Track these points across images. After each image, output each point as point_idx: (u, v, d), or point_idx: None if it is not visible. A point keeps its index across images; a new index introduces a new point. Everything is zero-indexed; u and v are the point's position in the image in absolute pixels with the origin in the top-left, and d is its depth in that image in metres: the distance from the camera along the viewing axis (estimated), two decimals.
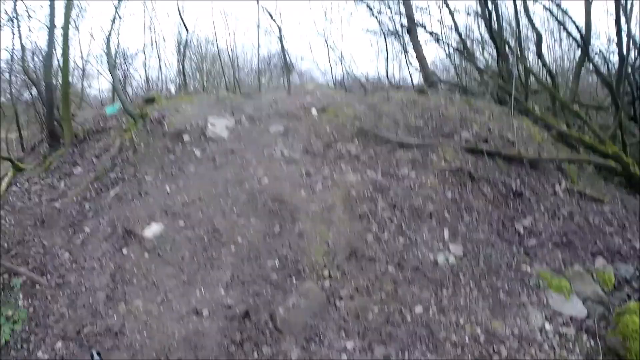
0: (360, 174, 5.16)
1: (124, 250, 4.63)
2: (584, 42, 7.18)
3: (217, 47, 13.24)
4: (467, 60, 9.12)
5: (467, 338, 3.79)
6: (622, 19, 6.83)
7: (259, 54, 14.21)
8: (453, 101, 6.67)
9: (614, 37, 7.62)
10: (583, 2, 7.41)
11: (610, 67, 7.83)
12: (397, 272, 4.28)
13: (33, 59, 8.52)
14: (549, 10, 7.94)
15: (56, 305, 4.27)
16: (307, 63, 15.97)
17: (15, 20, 8.53)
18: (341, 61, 12.91)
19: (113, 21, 6.82)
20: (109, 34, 6.36)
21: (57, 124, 6.37)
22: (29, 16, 7.15)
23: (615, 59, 7.59)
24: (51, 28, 6.35)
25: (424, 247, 4.53)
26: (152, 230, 4.73)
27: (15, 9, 8.80)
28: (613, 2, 7.02)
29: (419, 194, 5.00)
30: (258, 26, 13.55)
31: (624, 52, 6.96)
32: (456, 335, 3.81)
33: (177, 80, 11.30)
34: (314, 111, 6.06)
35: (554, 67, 10.78)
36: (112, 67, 6.18)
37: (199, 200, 4.97)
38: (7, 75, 7.89)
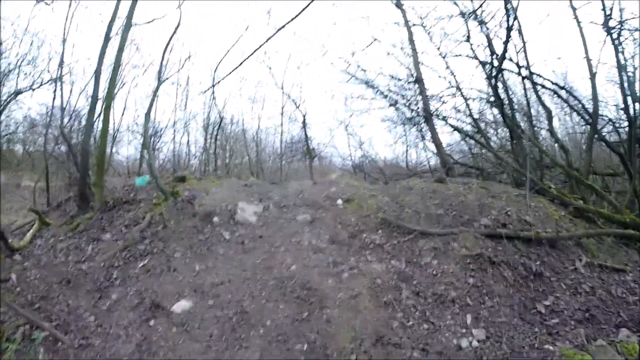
0: (385, 264, 5.35)
1: (151, 322, 4.64)
2: (592, 117, 7.63)
3: (243, 128, 13.76)
4: (482, 146, 9.56)
5: None
6: (625, 84, 7.35)
7: (282, 139, 14.81)
8: (471, 188, 7.01)
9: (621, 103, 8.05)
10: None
11: (620, 133, 8.24)
12: (423, 357, 4.33)
13: (69, 120, 9.01)
14: (556, 93, 8.49)
15: None
16: (327, 148, 16.56)
17: (59, 82, 9.13)
18: (360, 147, 13.37)
19: (151, 103, 7.26)
20: (147, 112, 6.78)
21: (88, 187, 6.58)
22: (72, 82, 7.60)
23: (625, 124, 7.99)
24: (94, 98, 6.75)
25: (447, 332, 4.62)
26: (181, 306, 4.78)
27: (60, 71, 9.45)
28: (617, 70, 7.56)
29: (442, 282, 5.16)
30: (282, 113, 14.14)
31: (632, 115, 7.36)
32: None
33: (202, 157, 11.72)
34: (339, 202, 6.37)
35: (567, 138, 11.26)
36: (147, 145, 6.53)
37: (228, 282, 5.08)
38: (41, 128, 8.24)
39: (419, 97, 10.86)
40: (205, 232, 5.82)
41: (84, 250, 5.65)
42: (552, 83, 8.60)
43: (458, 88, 10.02)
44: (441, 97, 10.72)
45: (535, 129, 9.49)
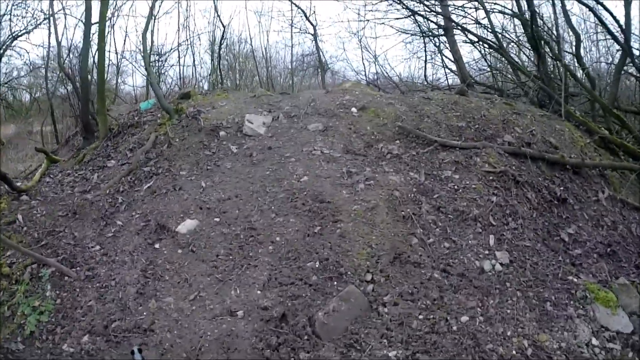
0: (403, 175, 4.94)
1: (157, 245, 4.48)
2: (626, 41, 6.86)
3: (251, 45, 13.10)
4: (508, 61, 8.86)
5: (514, 351, 3.55)
6: None
7: (292, 53, 14.09)
8: (494, 103, 6.43)
9: None
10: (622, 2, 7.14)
11: None
12: (443, 278, 4.03)
13: (69, 56, 8.62)
14: (587, 6, 7.59)
15: (84, 298, 4.10)
16: (340, 62, 15.87)
17: (51, 18, 8.65)
18: (375, 61, 12.56)
19: (148, 20, 6.72)
20: (144, 32, 6.29)
21: (92, 117, 6.31)
22: (65, 14, 7.15)
23: None
24: (87, 25, 6.32)
25: (469, 252, 4.29)
26: (187, 225, 4.57)
27: (51, 7, 8.94)
28: None
29: (464, 197, 4.76)
30: (292, 25, 13.26)
31: None
32: (503, 347, 3.57)
33: (211, 78, 11.26)
34: (354, 110, 5.86)
35: (591, 69, 10.44)
36: (147, 64, 6.09)
37: (235, 197, 4.81)
38: (43, 71, 7.91)
39: (438, 7, 9.87)
40: (211, 147, 5.50)
41: (89, 180, 5.49)
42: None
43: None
44: (462, 8, 9.74)
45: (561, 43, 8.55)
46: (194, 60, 12.85)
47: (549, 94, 6.72)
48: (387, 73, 11.35)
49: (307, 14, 12.46)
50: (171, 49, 11.59)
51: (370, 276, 4.01)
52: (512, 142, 5.54)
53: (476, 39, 9.16)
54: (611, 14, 7.07)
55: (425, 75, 10.85)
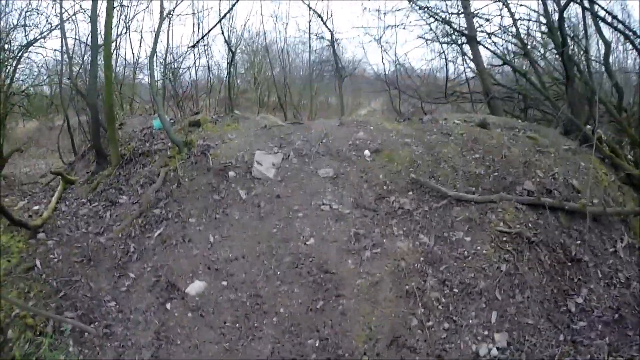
0: (412, 239, 4.85)
1: (168, 306, 4.66)
2: None
3: (266, 43, 12.98)
4: (532, 85, 8.25)
5: None
6: None
7: (310, 60, 13.66)
8: (517, 138, 6.04)
9: None
10: None
11: None
12: None
13: (81, 68, 8.32)
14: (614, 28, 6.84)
15: (105, 357, 4.40)
16: (360, 64, 14.97)
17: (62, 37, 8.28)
18: (396, 62, 11.93)
19: (154, 45, 6.23)
20: (151, 57, 5.92)
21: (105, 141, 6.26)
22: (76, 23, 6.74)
23: None
24: (94, 49, 5.99)
25: (467, 334, 4.31)
26: (195, 288, 4.72)
27: (61, 18, 8.52)
28: None
29: (472, 267, 4.69)
30: (309, 31, 12.57)
31: None
32: None
33: (226, 81, 10.82)
34: (367, 152, 5.60)
35: (621, 78, 9.69)
36: (154, 93, 5.84)
37: (242, 257, 4.87)
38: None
39: (462, 13, 9.02)
40: (220, 190, 5.44)
41: (103, 218, 5.55)
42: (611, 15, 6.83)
43: (506, 4, 8.11)
44: (487, 15, 9.06)
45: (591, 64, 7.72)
46: (208, 63, 12.19)
47: (577, 125, 6.25)
48: (408, 73, 10.70)
49: (324, 19, 12.10)
50: (186, 50, 11.16)
51: (367, 359, 4.15)
52: (531, 191, 5.29)
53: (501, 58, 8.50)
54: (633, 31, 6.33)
55: (445, 88, 10.16)
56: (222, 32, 8.76)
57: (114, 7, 6.15)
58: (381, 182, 5.36)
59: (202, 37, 6.32)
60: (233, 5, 6.12)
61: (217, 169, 5.55)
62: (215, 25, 5.93)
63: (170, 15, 8.77)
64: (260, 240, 5.00)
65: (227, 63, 9.92)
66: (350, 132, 6.00)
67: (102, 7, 6.41)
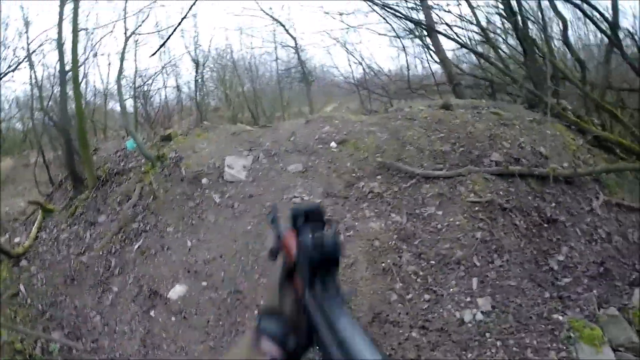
0: (384, 219, 4.90)
1: (152, 313, 4.70)
2: (612, 28, 6.34)
3: (233, 60, 13.43)
4: (492, 65, 8.47)
5: None
6: None
7: (277, 67, 14.05)
8: (481, 114, 6.15)
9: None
10: None
11: None
12: (421, 336, 4.12)
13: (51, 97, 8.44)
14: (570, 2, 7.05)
15: None
16: (327, 69, 15.48)
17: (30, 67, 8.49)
18: (361, 62, 12.32)
19: (120, 69, 6.42)
20: (118, 79, 6.11)
21: (80, 165, 6.36)
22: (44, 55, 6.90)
23: None
24: (62, 73, 6.17)
25: (450, 303, 4.32)
26: (177, 292, 4.76)
27: (29, 53, 8.70)
28: None
29: (447, 238, 4.72)
30: (274, 41, 13.05)
31: None
32: None
33: (196, 97, 11.09)
34: (333, 144, 5.72)
35: (582, 51, 9.92)
36: (125, 114, 5.99)
37: (220, 257, 4.92)
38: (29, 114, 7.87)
39: (420, 6, 9.34)
40: (195, 197, 5.53)
41: (83, 239, 5.64)
42: None
43: None
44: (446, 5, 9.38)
45: (550, 40, 8.00)
46: (177, 83, 12.52)
47: (538, 97, 6.36)
48: (374, 72, 11.03)
49: (287, 27, 12.55)
50: (155, 72, 11.44)
51: None
52: (499, 162, 5.35)
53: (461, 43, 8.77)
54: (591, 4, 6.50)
55: (408, 80, 10.48)
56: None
57: (79, 31, 6.30)
58: (349, 170, 5.44)
59: (162, 45, 6.48)
60: (190, 7, 6.24)
61: (190, 178, 5.65)
62: (174, 32, 6.10)
63: (135, 35, 8.95)
64: (236, 238, 5.05)
65: (194, 77, 10.13)
66: (316, 127, 6.12)
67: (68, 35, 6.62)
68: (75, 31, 5.99)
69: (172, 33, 6.17)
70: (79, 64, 6.97)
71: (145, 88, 10.32)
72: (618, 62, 7.14)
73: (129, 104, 11.35)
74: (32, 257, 5.61)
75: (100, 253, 5.36)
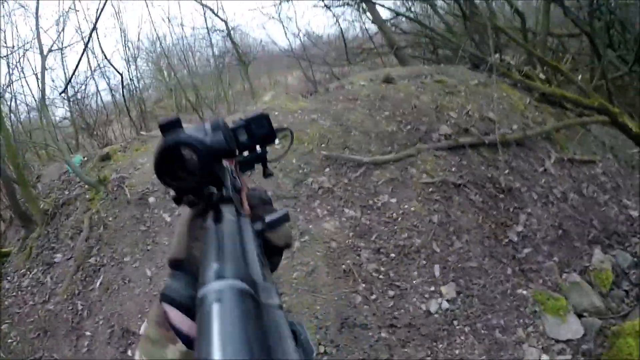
0: (338, 216, 4.79)
1: (129, 352, 4.70)
2: None
3: (162, 48, 12.90)
4: (429, 30, 8.03)
5: None
6: None
7: (213, 55, 13.55)
8: (425, 84, 5.85)
9: None
10: None
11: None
12: (391, 335, 4.20)
13: None
14: None
15: None
16: (264, 45, 14.70)
17: None
18: (298, 34, 11.77)
19: (43, 91, 5.79)
20: (42, 103, 5.58)
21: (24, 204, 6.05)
22: None
23: None
24: None
25: (415, 296, 4.37)
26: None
27: None
28: None
29: (404, 227, 4.67)
30: (207, 26, 12.22)
31: None
32: None
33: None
34: (276, 142, 5.43)
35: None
36: (55, 140, 5.56)
37: None
38: None
39: None
40: (145, 220, 5.33)
41: (45, 284, 5.47)
42: None
43: None
44: None
45: None
46: (109, 84, 11.71)
47: (480, 58, 6.09)
48: (313, 42, 10.54)
49: (215, 11, 11.87)
50: (86, 77, 10.66)
51: (323, 348, 4.19)
52: (448, 135, 5.19)
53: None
54: None
55: (346, 50, 10.01)
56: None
57: None
58: (295, 167, 5.22)
59: (73, 73, 5.98)
60: (101, 10, 5.69)
61: (136, 199, 5.43)
62: (92, 32, 5.57)
63: (58, 49, 8.31)
64: None
65: (120, 83, 9.63)
66: None
67: None
68: None
69: (84, 50, 5.56)
70: None
71: (79, 96, 9.72)
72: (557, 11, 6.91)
73: (62, 115, 10.88)
74: (1, 313, 5.51)
75: (65, 297, 5.26)
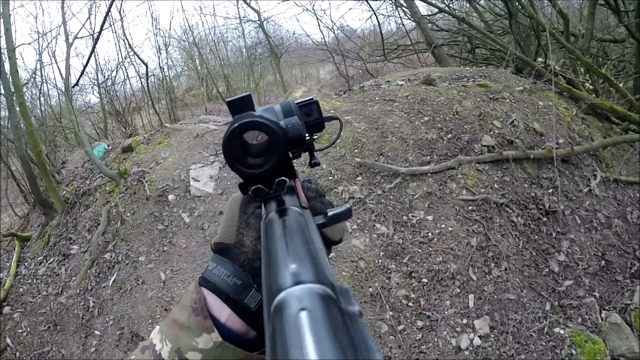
0: (368, 233, 4.37)
1: None
2: None
3: (193, 37, 12.89)
4: (474, 29, 7.39)
5: None
6: None
7: (245, 45, 13.46)
8: (467, 88, 5.28)
9: None
10: None
11: None
12: None
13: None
14: None
15: None
16: (296, 37, 14.28)
17: None
18: (332, 27, 11.30)
19: (67, 78, 5.52)
20: (67, 90, 5.34)
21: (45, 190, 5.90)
22: None
23: None
24: (7, 95, 5.43)
25: (445, 329, 3.93)
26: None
27: None
28: None
29: (439, 249, 4.21)
30: (239, 17, 11.88)
31: None
32: None
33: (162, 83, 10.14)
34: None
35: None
36: (77, 130, 5.29)
37: None
38: None
39: None
40: (163, 218, 5.05)
41: (59, 275, 5.32)
42: None
43: None
44: None
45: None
46: (137, 71, 11.44)
47: (527, 62, 5.49)
48: (347, 36, 10.03)
49: (248, 1, 11.98)
50: (117, 65, 10.63)
51: None
52: (492, 146, 4.65)
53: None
54: None
55: (383, 45, 9.61)
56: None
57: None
58: (325, 173, 4.78)
59: (85, 65, 5.68)
60: (109, 8, 5.42)
61: (156, 196, 5.14)
62: (104, 23, 5.27)
63: (89, 35, 8.14)
64: None
65: (145, 73, 9.38)
66: None
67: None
68: (9, 41, 5.23)
69: (100, 34, 5.23)
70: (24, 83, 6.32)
71: (109, 83, 9.55)
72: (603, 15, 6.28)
73: (94, 101, 10.79)
74: (14, 300, 5.40)
75: (78, 291, 5.08)
